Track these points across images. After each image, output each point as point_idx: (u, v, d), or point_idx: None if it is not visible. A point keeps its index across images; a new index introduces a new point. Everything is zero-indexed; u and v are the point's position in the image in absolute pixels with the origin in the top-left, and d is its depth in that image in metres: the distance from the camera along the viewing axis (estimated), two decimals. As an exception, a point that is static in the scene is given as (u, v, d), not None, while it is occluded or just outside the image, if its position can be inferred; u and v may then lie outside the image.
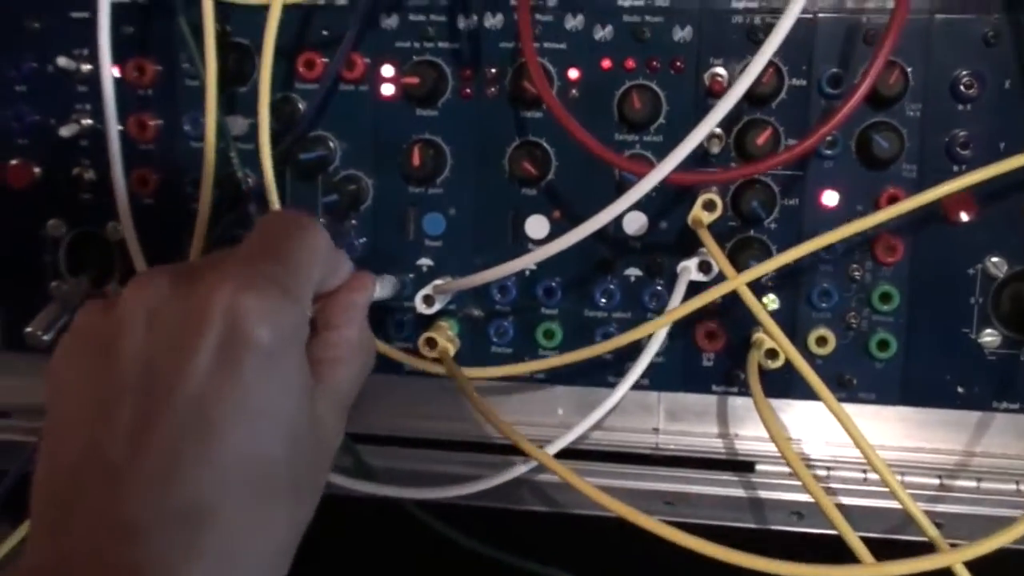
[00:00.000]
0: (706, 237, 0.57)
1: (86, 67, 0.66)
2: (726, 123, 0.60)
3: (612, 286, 0.63)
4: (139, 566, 0.38)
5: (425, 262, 0.65)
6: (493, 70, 0.62)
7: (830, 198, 0.61)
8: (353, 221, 0.65)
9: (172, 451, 0.39)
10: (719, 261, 0.57)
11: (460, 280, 0.60)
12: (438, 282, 0.61)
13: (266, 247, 0.45)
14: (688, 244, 0.62)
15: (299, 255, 0.45)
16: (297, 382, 0.43)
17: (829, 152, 0.60)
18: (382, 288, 0.60)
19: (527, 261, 0.55)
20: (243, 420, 0.40)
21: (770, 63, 0.58)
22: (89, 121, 0.66)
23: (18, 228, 0.68)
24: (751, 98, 0.59)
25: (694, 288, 0.59)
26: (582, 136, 0.56)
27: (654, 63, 0.61)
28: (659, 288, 0.63)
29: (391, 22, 0.63)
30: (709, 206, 0.58)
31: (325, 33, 0.63)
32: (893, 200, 0.59)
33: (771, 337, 0.57)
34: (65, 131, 0.65)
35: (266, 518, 0.41)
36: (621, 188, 0.59)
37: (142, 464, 0.39)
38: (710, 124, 0.51)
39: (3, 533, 0.67)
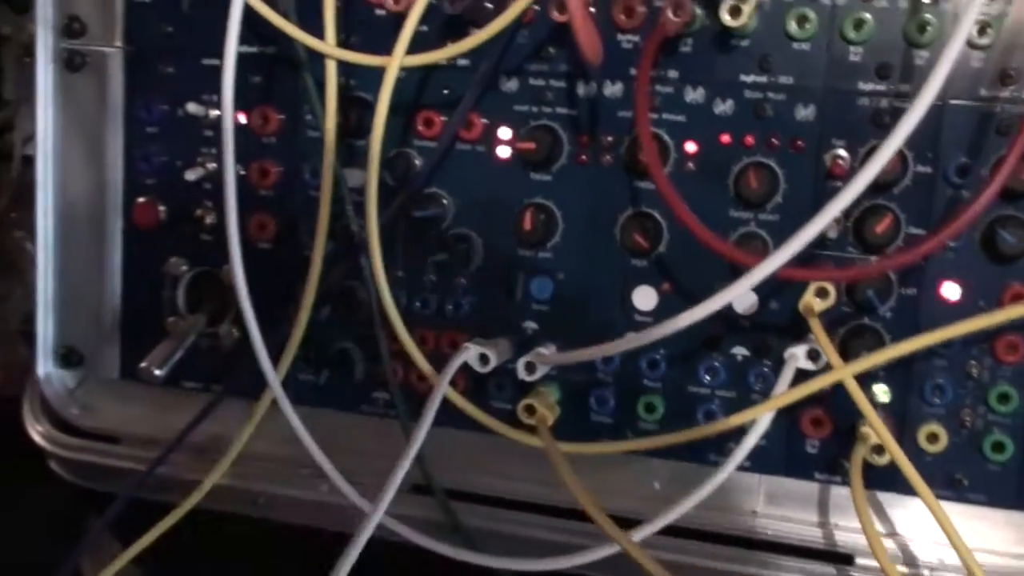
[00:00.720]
0: (816, 327, 0.56)
1: (214, 113, 0.68)
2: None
3: (718, 364, 0.62)
4: None
5: (530, 325, 0.65)
6: (610, 138, 0.62)
7: (950, 291, 0.58)
8: (462, 280, 0.65)
9: None
10: (827, 353, 0.56)
11: (565, 354, 0.59)
12: (542, 351, 0.61)
13: None
14: (799, 326, 0.60)
15: None
16: None
17: (952, 243, 0.58)
18: (498, 353, 0.60)
19: (634, 342, 0.55)
20: None
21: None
22: (214, 165, 0.68)
23: (141, 264, 0.71)
24: (873, 183, 0.58)
25: (803, 372, 0.58)
26: (689, 220, 0.55)
27: (774, 141, 0.59)
28: (766, 369, 0.61)
29: (511, 85, 0.63)
30: (821, 293, 0.57)
31: (445, 92, 0.64)
32: (1018, 298, 0.57)
33: (876, 433, 0.55)
34: (191, 175, 0.67)
35: None
36: (734, 268, 0.58)
37: None
38: (829, 215, 0.50)
39: (113, 553, 0.69)
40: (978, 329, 0.54)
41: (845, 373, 0.55)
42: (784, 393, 0.56)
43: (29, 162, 0.88)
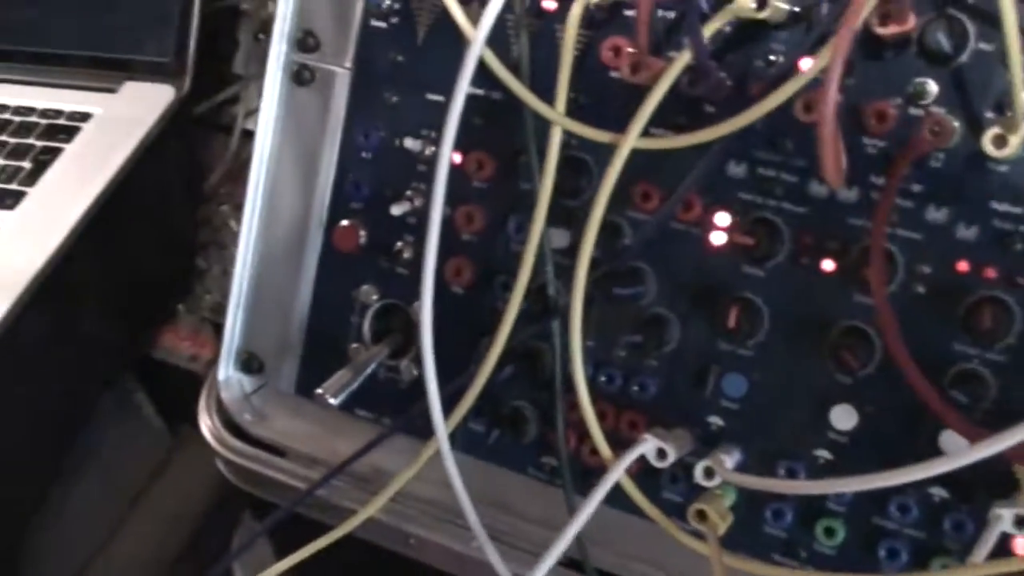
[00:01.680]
0: (1031, 494, 0.51)
1: (430, 149, 0.67)
2: (1086, 364, 0.54)
3: (911, 500, 0.58)
4: None
5: (716, 421, 0.62)
6: (835, 244, 0.58)
7: None
8: (653, 361, 0.63)
9: None
10: (1043, 526, 0.51)
11: (749, 478, 0.57)
12: (726, 460, 0.58)
13: None
14: (1010, 478, 0.55)
15: None
16: None
17: None
18: (677, 448, 0.58)
19: (829, 488, 0.52)
20: None
21: None
22: (421, 201, 0.67)
23: (334, 285, 0.71)
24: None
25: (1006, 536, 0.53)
26: (904, 360, 0.51)
27: (1018, 279, 0.55)
28: (964, 517, 0.57)
29: (738, 170, 0.60)
30: (1047, 458, 0.52)
31: (669, 165, 0.61)
32: None
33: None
34: (396, 209, 0.67)
35: None
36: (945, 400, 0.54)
37: None
38: None
39: (266, 560, 0.70)
40: None
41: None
42: (983, 564, 0.52)
43: (248, 136, 0.90)
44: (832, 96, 0.44)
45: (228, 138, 0.91)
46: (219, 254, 0.91)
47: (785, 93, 0.53)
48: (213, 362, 0.78)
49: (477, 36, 0.58)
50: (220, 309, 0.83)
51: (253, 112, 0.90)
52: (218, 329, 0.79)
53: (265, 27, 0.91)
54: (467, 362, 0.65)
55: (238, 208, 0.79)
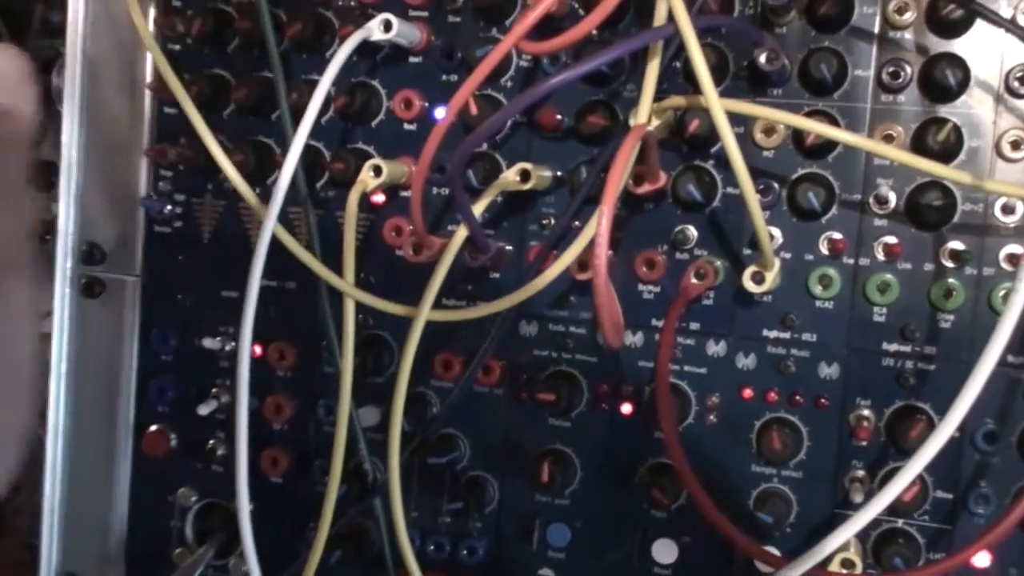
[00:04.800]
0: (843, 603, 0.54)
1: (230, 345, 0.67)
2: (869, 466, 0.58)
3: (739, 622, 0.60)
4: None
5: (546, 573, 0.63)
6: (630, 388, 0.61)
7: (981, 559, 0.57)
8: (477, 523, 0.64)
9: None
10: (856, 628, 0.54)
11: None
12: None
13: None
14: (824, 585, 0.58)
15: None
16: None
17: (981, 511, 0.56)
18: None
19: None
20: None
21: (921, 411, 0.57)
22: (227, 397, 0.67)
23: (150, 494, 0.69)
24: (898, 446, 0.57)
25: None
26: (697, 493, 0.54)
27: (797, 397, 0.59)
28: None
29: (531, 330, 0.63)
30: (848, 565, 0.55)
31: (464, 333, 0.63)
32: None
33: None
34: (203, 409, 0.66)
35: None
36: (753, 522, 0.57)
37: None
38: (845, 535, 0.49)
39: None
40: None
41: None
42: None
43: (46, 339, 0.87)
44: (602, 270, 0.47)
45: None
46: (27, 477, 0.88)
47: (562, 264, 0.56)
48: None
49: (269, 212, 0.59)
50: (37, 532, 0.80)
51: (48, 315, 0.88)
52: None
53: (49, 228, 0.90)
54: (296, 550, 0.64)
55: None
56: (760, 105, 0.55)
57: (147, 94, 0.68)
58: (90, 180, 0.69)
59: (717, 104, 0.48)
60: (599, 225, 0.46)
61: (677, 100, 0.55)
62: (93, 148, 0.68)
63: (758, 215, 0.52)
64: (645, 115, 0.53)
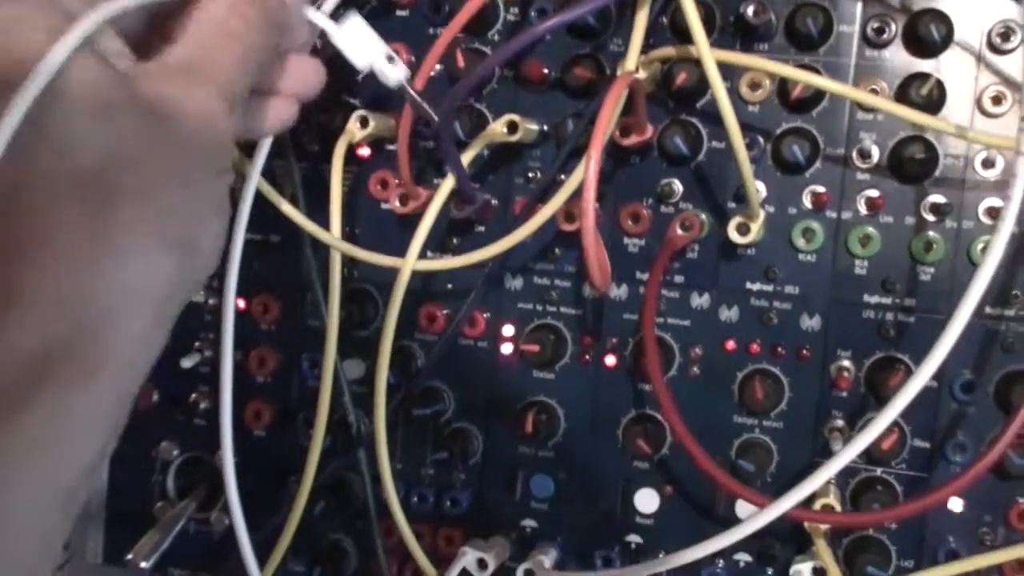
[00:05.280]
0: (822, 547, 0.56)
1: (213, 299, 0.67)
2: (848, 416, 0.59)
3: (720, 569, 0.61)
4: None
5: (529, 523, 0.64)
6: (614, 339, 0.62)
7: (955, 504, 0.58)
8: (460, 475, 0.64)
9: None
10: (832, 572, 0.55)
11: (572, 575, 0.59)
12: (544, 560, 0.60)
13: None
14: (804, 535, 0.59)
15: None
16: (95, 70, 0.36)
17: (958, 459, 0.58)
18: (495, 556, 0.60)
19: (639, 572, 0.54)
20: (43, 137, 0.34)
21: (900, 361, 0.58)
22: (210, 351, 0.67)
23: (131, 447, 0.69)
24: (878, 396, 0.58)
25: (806, 586, 0.57)
26: (687, 439, 0.55)
27: (779, 349, 0.60)
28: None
29: (516, 283, 0.63)
30: (827, 510, 0.56)
31: (449, 287, 0.64)
32: (1025, 517, 0.57)
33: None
34: (186, 362, 0.66)
35: (110, 229, 0.35)
36: (735, 471, 0.58)
37: None
38: (828, 473, 0.50)
39: None
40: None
41: (853, 595, 0.54)
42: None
43: None
44: (590, 211, 0.47)
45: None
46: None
47: (548, 211, 0.56)
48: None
49: (254, 165, 0.58)
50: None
51: None
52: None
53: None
54: (278, 504, 0.65)
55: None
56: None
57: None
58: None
59: (708, 54, 0.49)
60: (587, 169, 0.47)
61: (667, 51, 0.55)
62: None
63: (746, 166, 0.52)
64: (633, 63, 0.54)
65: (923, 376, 0.48)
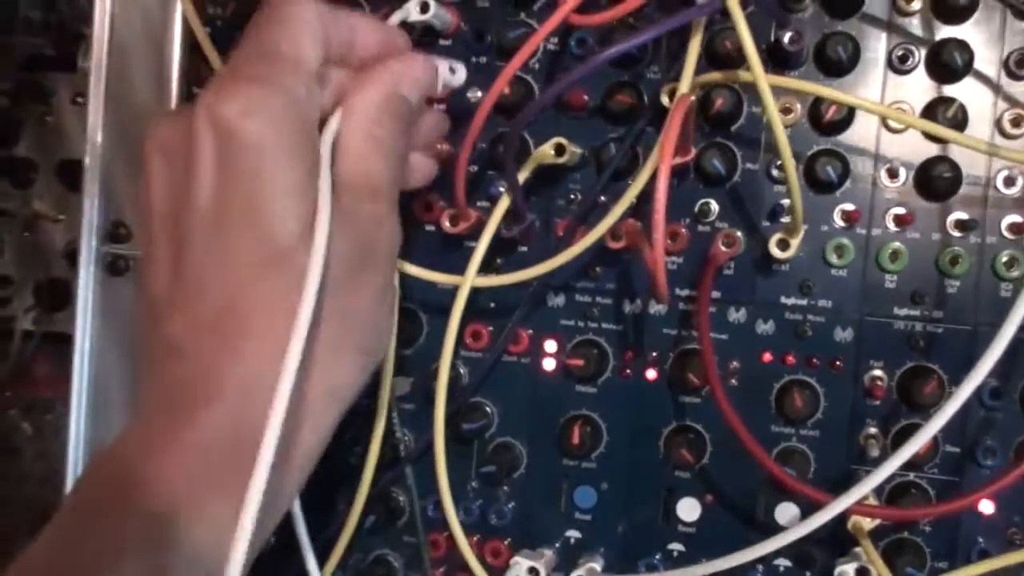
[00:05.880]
0: (868, 547, 0.58)
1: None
2: (882, 424, 0.62)
3: (760, 575, 0.63)
4: (185, 376, 0.42)
5: (573, 534, 0.66)
6: (654, 354, 0.64)
7: (985, 506, 0.61)
8: (505, 488, 0.66)
9: (198, 268, 0.42)
10: (880, 571, 0.58)
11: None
12: (595, 568, 0.62)
13: (245, 47, 0.45)
14: (844, 537, 0.62)
15: (276, 37, 0.44)
16: (302, 160, 0.43)
17: (988, 463, 0.60)
18: (545, 565, 0.61)
19: (698, 572, 0.56)
20: (249, 219, 0.41)
21: (931, 371, 0.60)
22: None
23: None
24: (910, 404, 0.61)
25: (849, 587, 0.60)
26: (748, 441, 0.57)
27: (814, 360, 0.62)
28: (808, 580, 0.63)
29: (558, 301, 0.65)
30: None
31: (492, 305, 0.66)
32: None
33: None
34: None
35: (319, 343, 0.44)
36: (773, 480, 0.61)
37: (176, 287, 0.43)
38: (868, 487, 0.53)
39: None
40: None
41: (898, 593, 0.57)
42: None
43: (28, 337, 0.89)
44: (661, 225, 0.50)
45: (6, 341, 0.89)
46: (10, 462, 0.88)
47: (600, 230, 0.59)
48: None
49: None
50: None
51: (30, 309, 0.90)
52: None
53: (30, 225, 0.91)
54: (324, 521, 0.66)
55: (27, 411, 0.77)
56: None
57: (175, 73, 0.69)
58: (115, 159, 0.70)
59: (763, 77, 0.52)
60: (658, 186, 0.49)
61: (713, 76, 0.58)
62: (118, 127, 0.69)
63: (795, 183, 0.55)
64: (687, 86, 0.56)
65: (965, 392, 0.51)
